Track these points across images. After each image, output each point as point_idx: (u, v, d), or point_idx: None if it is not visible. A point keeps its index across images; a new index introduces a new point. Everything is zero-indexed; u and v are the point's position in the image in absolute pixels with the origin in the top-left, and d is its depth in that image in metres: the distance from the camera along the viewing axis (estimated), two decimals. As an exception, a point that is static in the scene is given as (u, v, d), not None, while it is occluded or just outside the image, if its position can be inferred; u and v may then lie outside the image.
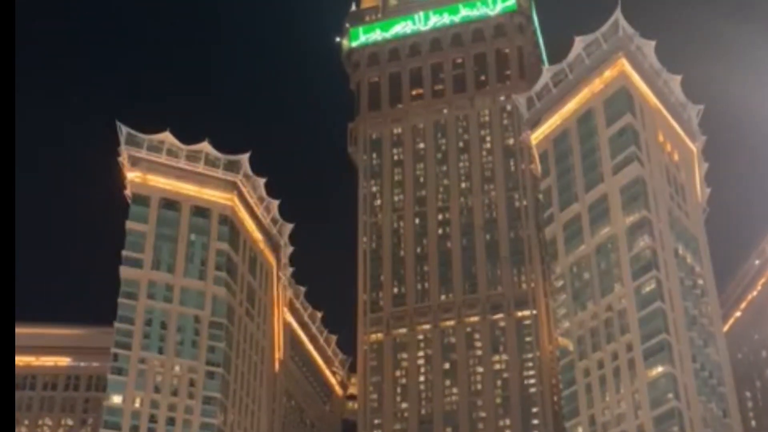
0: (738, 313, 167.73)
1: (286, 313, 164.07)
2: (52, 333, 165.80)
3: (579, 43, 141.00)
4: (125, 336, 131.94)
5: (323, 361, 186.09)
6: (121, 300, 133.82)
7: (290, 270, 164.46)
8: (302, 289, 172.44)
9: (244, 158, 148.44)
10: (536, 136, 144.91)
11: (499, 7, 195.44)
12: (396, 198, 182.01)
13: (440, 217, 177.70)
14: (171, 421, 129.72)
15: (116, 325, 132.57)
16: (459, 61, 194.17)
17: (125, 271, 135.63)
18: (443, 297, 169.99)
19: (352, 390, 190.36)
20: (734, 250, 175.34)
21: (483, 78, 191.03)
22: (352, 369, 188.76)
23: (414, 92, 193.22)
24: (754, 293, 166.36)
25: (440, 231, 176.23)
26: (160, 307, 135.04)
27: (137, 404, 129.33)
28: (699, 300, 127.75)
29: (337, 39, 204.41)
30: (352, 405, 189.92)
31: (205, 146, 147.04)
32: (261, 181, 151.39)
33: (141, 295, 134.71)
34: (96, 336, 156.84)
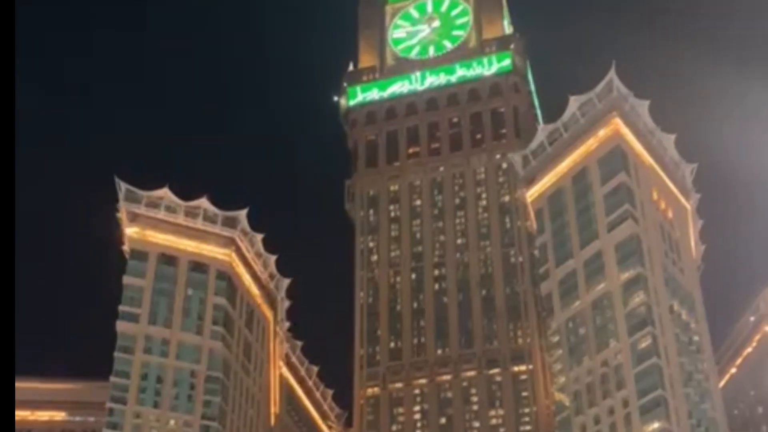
0: (734, 370, 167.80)
1: (282, 368, 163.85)
2: (47, 388, 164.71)
3: (574, 102, 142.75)
4: (121, 390, 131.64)
5: (319, 416, 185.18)
6: (117, 354, 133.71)
7: (287, 324, 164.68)
8: (299, 343, 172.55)
9: (242, 214, 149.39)
10: (532, 194, 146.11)
11: (494, 68, 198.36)
12: (393, 254, 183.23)
13: (436, 272, 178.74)
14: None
15: (112, 379, 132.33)
16: (455, 120, 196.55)
17: (122, 326, 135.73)
18: (439, 351, 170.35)
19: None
20: (729, 307, 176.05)
21: (479, 136, 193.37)
22: (348, 423, 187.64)
23: (411, 150, 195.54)
24: (750, 349, 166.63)
25: (436, 286, 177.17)
26: (156, 361, 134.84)
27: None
28: (695, 356, 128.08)
29: (335, 98, 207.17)
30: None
31: (204, 202, 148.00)
32: (259, 237, 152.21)
33: (137, 349, 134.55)
34: (92, 390, 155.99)
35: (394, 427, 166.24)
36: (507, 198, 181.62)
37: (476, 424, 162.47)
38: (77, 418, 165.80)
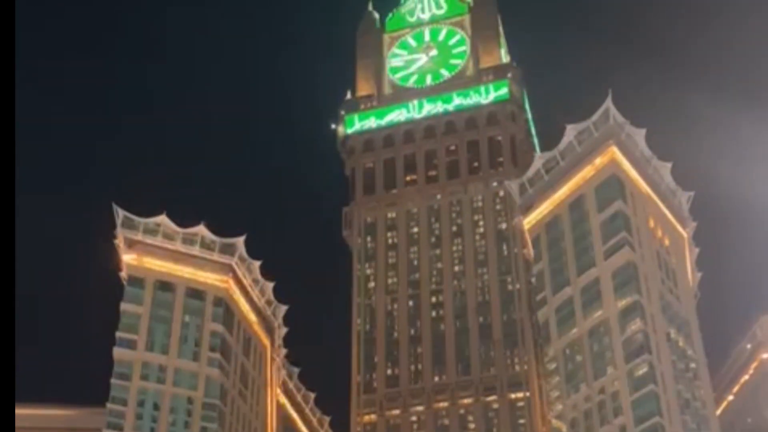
0: (731, 397, 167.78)
1: (279, 394, 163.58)
2: (43, 414, 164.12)
3: (570, 131, 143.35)
4: (117, 417, 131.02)
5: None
6: (114, 381, 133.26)
7: (284, 351, 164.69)
8: (296, 370, 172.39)
9: (240, 241, 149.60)
10: (529, 221, 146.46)
11: (491, 96, 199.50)
12: (390, 281, 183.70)
13: (434, 299, 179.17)
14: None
15: (109, 406, 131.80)
16: (452, 148, 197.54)
17: (119, 353, 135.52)
18: (437, 378, 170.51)
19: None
20: (726, 334, 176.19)
21: (476, 164, 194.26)
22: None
23: (408, 178, 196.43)
24: (747, 377, 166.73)
25: (434, 313, 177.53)
26: (153, 388, 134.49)
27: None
28: (692, 383, 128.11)
29: (333, 126, 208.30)
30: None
31: (201, 229, 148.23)
32: (256, 264, 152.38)
33: (134, 376, 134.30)
34: (88, 417, 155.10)
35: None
36: (504, 225, 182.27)
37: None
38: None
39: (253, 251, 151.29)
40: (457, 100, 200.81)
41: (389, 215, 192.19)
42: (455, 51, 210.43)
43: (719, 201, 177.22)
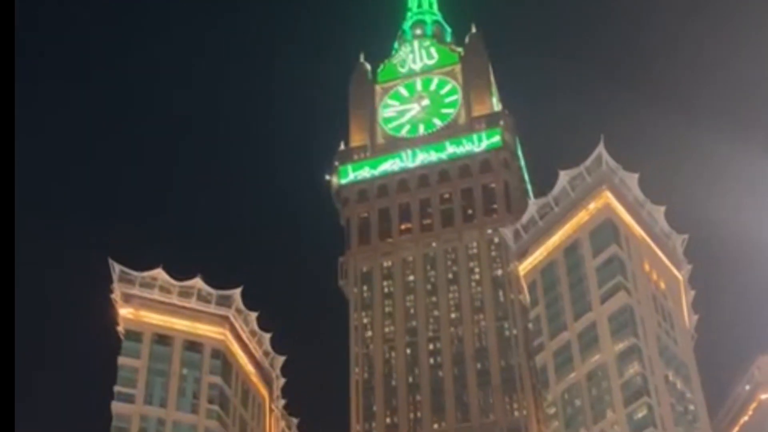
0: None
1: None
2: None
3: (563, 176, 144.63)
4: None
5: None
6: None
7: (282, 402, 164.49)
8: (295, 420, 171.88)
9: (236, 293, 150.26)
10: (524, 267, 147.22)
11: (484, 144, 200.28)
12: (387, 329, 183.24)
13: (431, 347, 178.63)
14: None
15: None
16: (446, 196, 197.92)
17: (117, 407, 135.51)
18: (436, 426, 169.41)
19: None
20: (724, 376, 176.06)
21: (470, 212, 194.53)
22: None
23: (403, 226, 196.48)
24: (746, 418, 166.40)
25: (431, 361, 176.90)
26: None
27: None
28: (691, 425, 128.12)
29: (327, 176, 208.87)
30: None
31: (198, 282, 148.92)
32: (253, 315, 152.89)
33: (133, 429, 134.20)
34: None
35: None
36: (500, 272, 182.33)
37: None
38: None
39: (249, 303, 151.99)
40: (450, 149, 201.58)
41: (385, 264, 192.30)
42: (447, 100, 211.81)
43: (714, 243, 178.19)
